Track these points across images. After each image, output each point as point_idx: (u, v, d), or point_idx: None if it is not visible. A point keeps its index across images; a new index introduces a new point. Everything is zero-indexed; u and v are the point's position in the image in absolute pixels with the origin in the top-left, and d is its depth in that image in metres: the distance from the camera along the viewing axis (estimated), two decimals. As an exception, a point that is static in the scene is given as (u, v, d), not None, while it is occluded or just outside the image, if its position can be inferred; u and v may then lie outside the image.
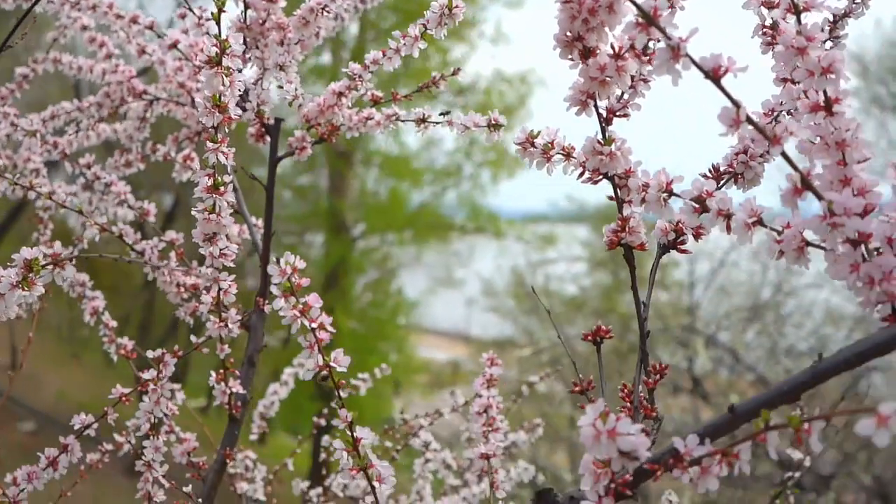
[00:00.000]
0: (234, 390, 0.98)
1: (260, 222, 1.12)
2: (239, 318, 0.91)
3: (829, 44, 0.72)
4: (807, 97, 0.56)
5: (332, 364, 0.63)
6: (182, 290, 1.04)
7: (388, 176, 13.98)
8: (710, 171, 0.69)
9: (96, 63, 1.25)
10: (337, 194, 12.24)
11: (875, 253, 0.52)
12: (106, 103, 1.20)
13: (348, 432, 0.65)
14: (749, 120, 0.51)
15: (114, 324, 1.11)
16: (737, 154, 0.69)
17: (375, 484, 0.65)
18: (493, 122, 0.84)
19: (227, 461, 1.00)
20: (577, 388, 0.53)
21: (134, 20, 1.11)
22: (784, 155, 0.52)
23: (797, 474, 1.11)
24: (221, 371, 0.96)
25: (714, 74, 0.51)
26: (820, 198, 0.51)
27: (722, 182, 0.69)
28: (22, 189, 1.04)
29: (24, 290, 0.68)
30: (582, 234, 11.17)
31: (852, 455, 5.79)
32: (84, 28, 1.21)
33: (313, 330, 0.63)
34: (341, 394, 0.64)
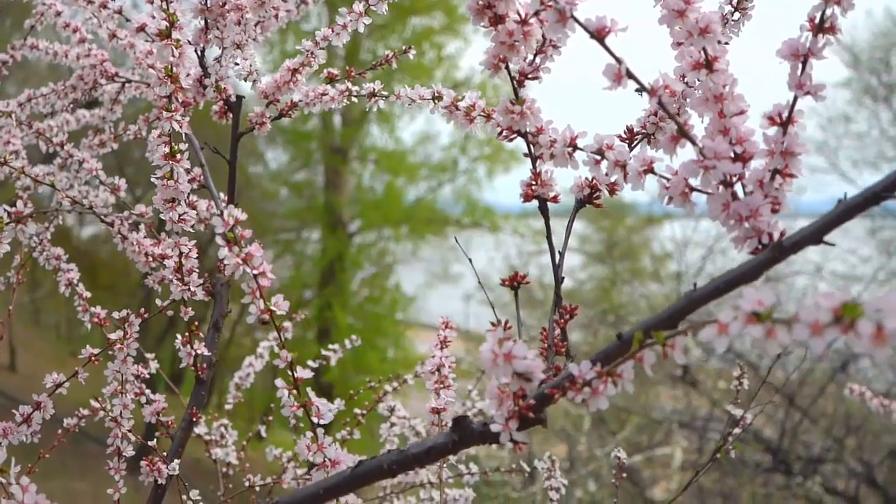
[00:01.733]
0: (199, 352, 1.03)
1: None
2: (200, 281, 0.97)
3: (736, 14, 0.78)
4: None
5: (272, 308, 0.69)
6: (150, 259, 1.09)
7: (383, 171, 14.02)
8: (623, 132, 0.75)
9: (71, 48, 1.30)
10: (333, 190, 12.28)
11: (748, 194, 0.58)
12: (80, 86, 1.26)
13: (289, 372, 0.71)
14: (629, 74, 0.56)
15: (87, 294, 1.16)
16: (649, 116, 0.74)
17: (314, 419, 0.71)
18: (437, 94, 0.90)
19: (194, 420, 1.05)
20: (493, 328, 0.58)
21: (103, 5, 1.16)
22: (662, 106, 0.58)
23: (738, 430, 1.17)
24: (187, 334, 1.02)
25: (599, 35, 0.57)
26: (694, 144, 0.57)
27: (636, 142, 0.75)
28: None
29: (-10, 247, 0.74)
30: (576, 228, 11.23)
31: (840, 440, 5.86)
32: (58, 14, 1.27)
33: (255, 277, 0.68)
34: (282, 336, 0.70)
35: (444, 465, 1.25)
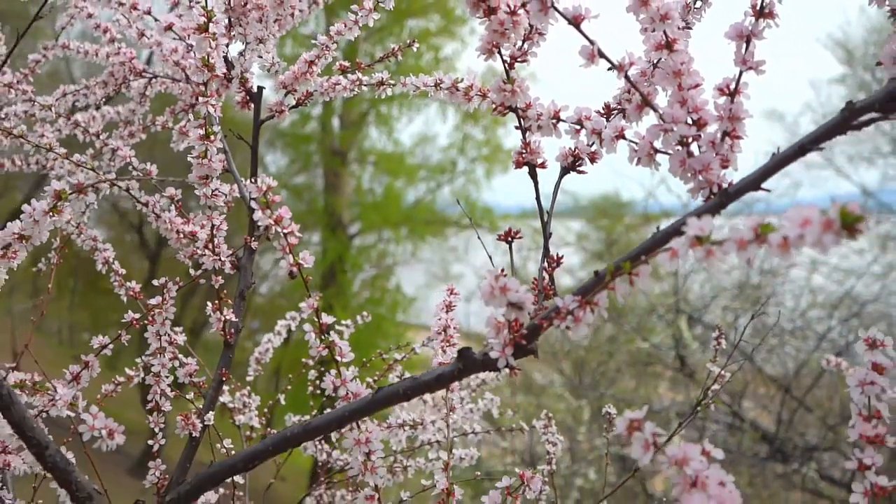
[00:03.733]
0: (227, 318, 1.15)
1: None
2: (230, 252, 1.08)
3: (699, 2, 0.89)
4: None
5: (301, 262, 0.81)
6: (181, 236, 1.20)
7: (382, 173, 14.12)
8: (602, 108, 0.87)
9: (101, 47, 1.42)
10: (333, 193, 12.39)
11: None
12: (111, 81, 1.37)
13: (315, 318, 0.82)
14: (601, 54, 0.68)
15: (123, 271, 1.27)
16: (622, 93, 0.86)
17: (338, 357, 0.82)
18: (439, 81, 1.01)
19: (224, 379, 1.17)
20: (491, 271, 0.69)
21: (134, 6, 1.28)
22: (627, 79, 0.69)
23: (717, 386, 1.28)
24: (217, 301, 1.14)
25: (575, 21, 0.68)
26: (656, 111, 0.69)
27: (613, 116, 0.86)
28: (15, 138, 1.21)
29: (54, 215, 0.85)
30: (576, 227, 11.36)
31: (835, 428, 5.97)
32: (90, 16, 1.38)
33: (285, 235, 0.80)
34: (307, 285, 0.82)
35: (451, 427, 1.36)
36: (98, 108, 1.37)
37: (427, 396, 1.59)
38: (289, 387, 1.64)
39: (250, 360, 1.61)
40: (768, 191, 0.65)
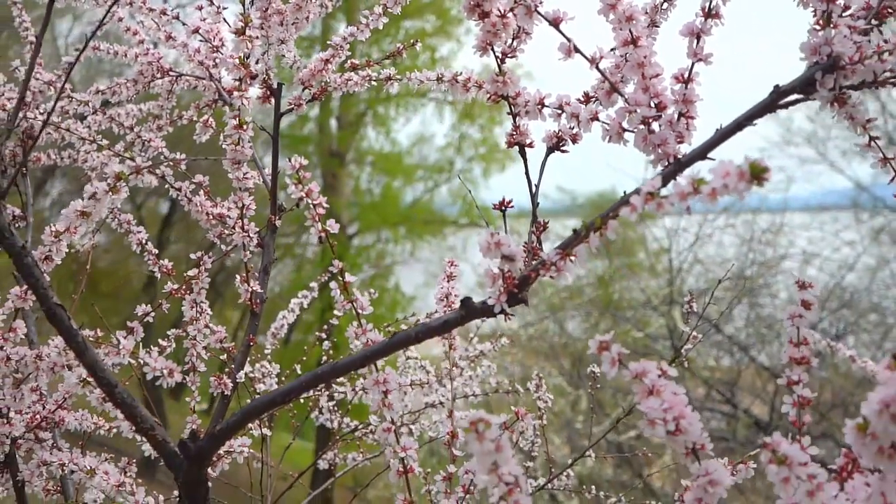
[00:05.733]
0: (254, 289, 1.29)
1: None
2: (257, 230, 1.22)
3: (665, 4, 1.03)
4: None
5: (327, 228, 0.95)
6: (210, 217, 1.35)
7: (380, 174, 14.24)
8: (582, 96, 1.01)
9: (130, 48, 1.56)
10: (331, 193, 12.51)
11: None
12: (140, 79, 1.51)
13: (340, 277, 0.97)
14: (576, 49, 0.82)
15: (156, 251, 1.42)
16: (598, 83, 1.00)
17: (359, 310, 0.96)
18: (440, 76, 1.15)
19: (251, 344, 1.31)
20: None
21: (163, 12, 1.42)
22: (599, 71, 0.84)
23: (689, 346, 1.42)
24: (245, 274, 1.28)
25: (555, 22, 0.83)
26: (622, 96, 0.83)
27: (590, 102, 1.01)
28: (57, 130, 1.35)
29: (113, 193, 0.99)
30: (572, 224, 11.51)
31: (826, 415, 6.13)
32: (120, 20, 1.52)
33: (315, 206, 0.94)
34: (333, 248, 0.96)
35: (453, 391, 1.51)
36: (130, 102, 1.51)
37: (430, 367, 1.73)
38: (304, 358, 1.78)
39: (267, 334, 1.75)
40: (713, 160, 0.79)
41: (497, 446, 0.68)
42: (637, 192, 0.78)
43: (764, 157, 0.77)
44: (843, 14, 0.79)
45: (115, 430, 1.23)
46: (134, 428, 0.90)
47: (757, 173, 0.59)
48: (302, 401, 1.82)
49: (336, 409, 1.72)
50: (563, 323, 8.75)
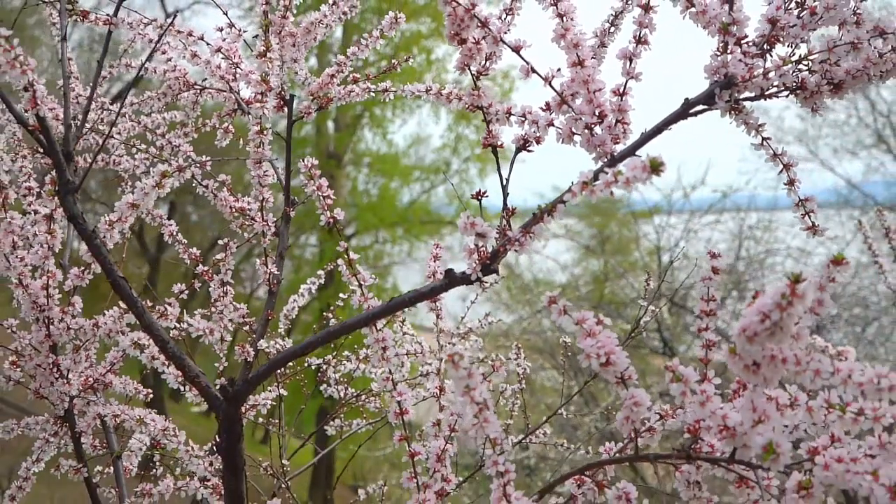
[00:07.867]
0: (272, 272, 1.51)
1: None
2: (275, 219, 1.44)
3: (612, 28, 1.26)
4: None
5: (335, 216, 1.17)
6: (232, 210, 1.57)
7: (377, 175, 14.44)
8: (544, 105, 1.23)
9: (158, 64, 1.78)
10: (329, 194, 12.66)
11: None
12: (168, 92, 1.73)
13: (346, 255, 1.19)
14: (533, 70, 1.04)
15: (185, 241, 1.63)
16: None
17: (362, 282, 1.18)
18: (429, 88, 1.37)
19: (270, 318, 1.53)
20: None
21: (190, 34, 1.64)
22: (552, 87, 1.06)
23: (647, 318, 1.64)
24: (263, 257, 1.50)
25: (516, 49, 1.05)
26: (570, 107, 1.05)
27: (550, 112, 1.23)
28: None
29: (158, 188, 1.21)
30: (567, 222, 11.75)
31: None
32: (150, 41, 1.74)
33: (324, 197, 1.16)
34: (344, 238, 1.18)
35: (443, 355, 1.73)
36: (160, 112, 1.73)
37: (425, 343, 1.95)
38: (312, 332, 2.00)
39: (280, 315, 1.97)
40: (639, 157, 1.01)
41: (469, 373, 0.90)
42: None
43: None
44: (742, 41, 1.01)
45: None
46: (182, 376, 1.12)
47: (655, 167, 0.81)
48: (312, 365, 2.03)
49: (343, 379, 1.94)
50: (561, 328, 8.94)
